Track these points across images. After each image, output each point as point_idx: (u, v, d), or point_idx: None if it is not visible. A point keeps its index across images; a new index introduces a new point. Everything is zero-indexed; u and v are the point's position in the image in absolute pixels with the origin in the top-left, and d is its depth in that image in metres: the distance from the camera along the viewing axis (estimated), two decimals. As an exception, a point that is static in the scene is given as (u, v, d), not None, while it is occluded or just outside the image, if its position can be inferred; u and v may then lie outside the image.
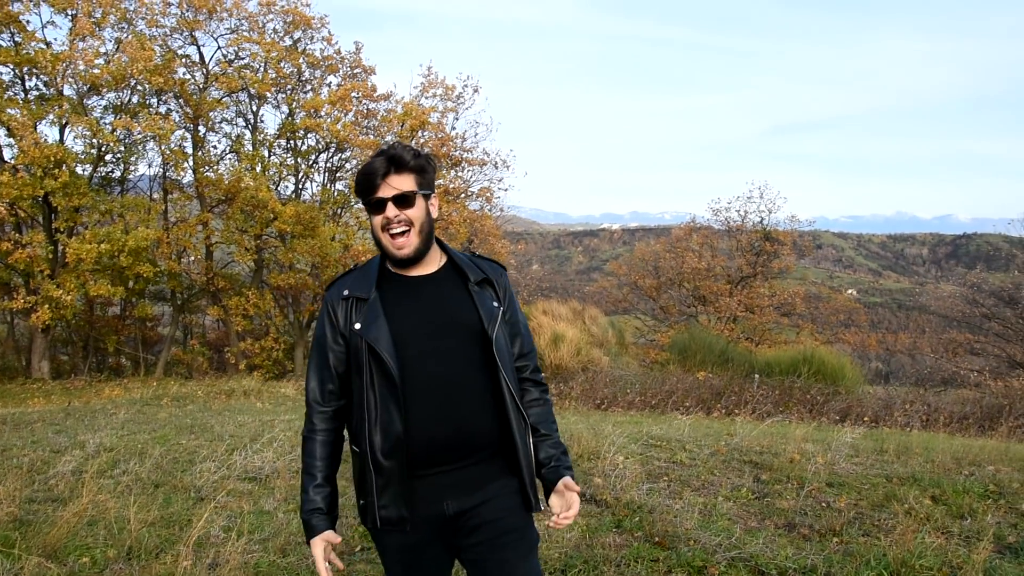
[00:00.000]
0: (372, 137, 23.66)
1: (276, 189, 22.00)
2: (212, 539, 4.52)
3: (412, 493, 2.29)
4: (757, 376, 16.27)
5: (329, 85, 23.72)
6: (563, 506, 2.36)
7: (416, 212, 2.32)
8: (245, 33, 21.14)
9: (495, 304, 2.42)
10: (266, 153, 22.39)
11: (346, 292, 2.37)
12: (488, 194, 27.92)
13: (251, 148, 22.18)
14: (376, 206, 2.31)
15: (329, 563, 2.34)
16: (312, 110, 21.66)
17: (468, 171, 26.89)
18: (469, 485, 2.33)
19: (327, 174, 24.93)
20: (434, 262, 2.44)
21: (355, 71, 24.20)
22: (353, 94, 22.49)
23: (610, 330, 26.55)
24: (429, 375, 2.29)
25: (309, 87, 23.25)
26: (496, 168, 27.43)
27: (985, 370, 18.95)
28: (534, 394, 2.53)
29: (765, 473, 6.17)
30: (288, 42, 22.18)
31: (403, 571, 2.38)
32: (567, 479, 2.39)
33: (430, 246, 2.40)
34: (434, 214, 2.41)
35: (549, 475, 2.43)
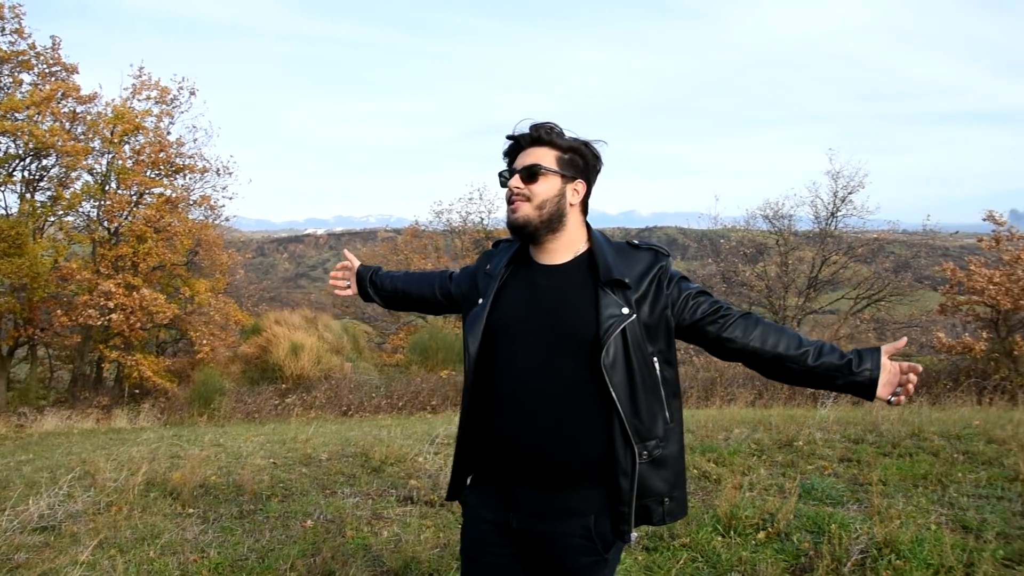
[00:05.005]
0: (81, 143, 21.78)
1: (-35, 203, 19.46)
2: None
3: (485, 483, 2.21)
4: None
5: (21, 84, 21.40)
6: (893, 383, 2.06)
7: (541, 187, 2.10)
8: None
9: (624, 311, 2.03)
10: (-50, 161, 19.74)
11: (489, 267, 2.27)
12: (210, 202, 26.78)
13: (-71, 156, 19.41)
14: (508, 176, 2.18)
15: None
16: (9, 112, 19.48)
17: (189, 178, 25.56)
18: (540, 509, 2.08)
19: (25, 185, 22.49)
20: (568, 251, 2.15)
21: (54, 69, 22.04)
22: (58, 93, 20.56)
23: (344, 336, 26.62)
24: (516, 379, 2.07)
25: (-2, 86, 20.80)
26: (219, 175, 26.38)
27: (690, 348, 21.70)
28: (744, 324, 2.13)
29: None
30: (-32, 34, 19.70)
31: (467, 564, 2.21)
32: (884, 355, 2.06)
33: (551, 228, 2.11)
34: (571, 199, 2.13)
35: (861, 376, 2.04)
